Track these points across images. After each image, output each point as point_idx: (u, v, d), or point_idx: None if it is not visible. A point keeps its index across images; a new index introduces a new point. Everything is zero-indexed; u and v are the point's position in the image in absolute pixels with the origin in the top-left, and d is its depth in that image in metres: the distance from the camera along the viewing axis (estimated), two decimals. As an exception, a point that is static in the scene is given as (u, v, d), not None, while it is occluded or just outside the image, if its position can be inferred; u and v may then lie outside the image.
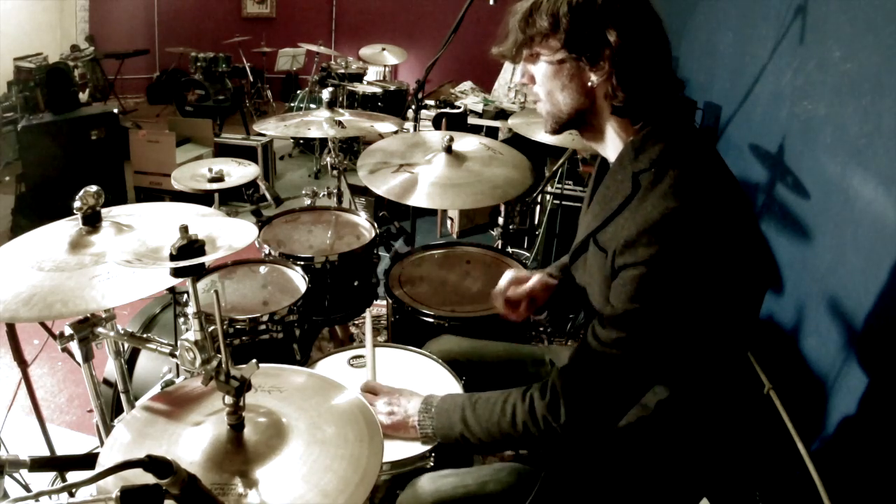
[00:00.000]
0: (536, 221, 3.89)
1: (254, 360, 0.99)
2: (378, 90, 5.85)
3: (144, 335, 1.24)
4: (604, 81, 1.04)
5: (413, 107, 2.87)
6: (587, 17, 1.01)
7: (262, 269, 2.00)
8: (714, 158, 1.07)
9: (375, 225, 2.27)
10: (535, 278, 1.47)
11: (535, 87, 1.12)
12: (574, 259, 1.23)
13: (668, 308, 0.99)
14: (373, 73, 6.72)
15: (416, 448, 1.23)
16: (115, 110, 4.48)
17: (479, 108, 5.12)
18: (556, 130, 1.15)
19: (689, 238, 0.96)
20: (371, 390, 1.32)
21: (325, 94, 2.41)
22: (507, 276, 1.49)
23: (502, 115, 4.97)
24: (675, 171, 1.00)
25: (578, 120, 1.12)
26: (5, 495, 0.94)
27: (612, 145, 1.13)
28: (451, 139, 2.02)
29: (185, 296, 1.76)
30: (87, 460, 1.26)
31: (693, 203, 0.97)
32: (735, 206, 1.02)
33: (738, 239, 1.01)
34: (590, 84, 1.06)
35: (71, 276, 1.13)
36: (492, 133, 4.85)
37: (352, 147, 5.26)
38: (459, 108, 5.09)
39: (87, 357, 1.26)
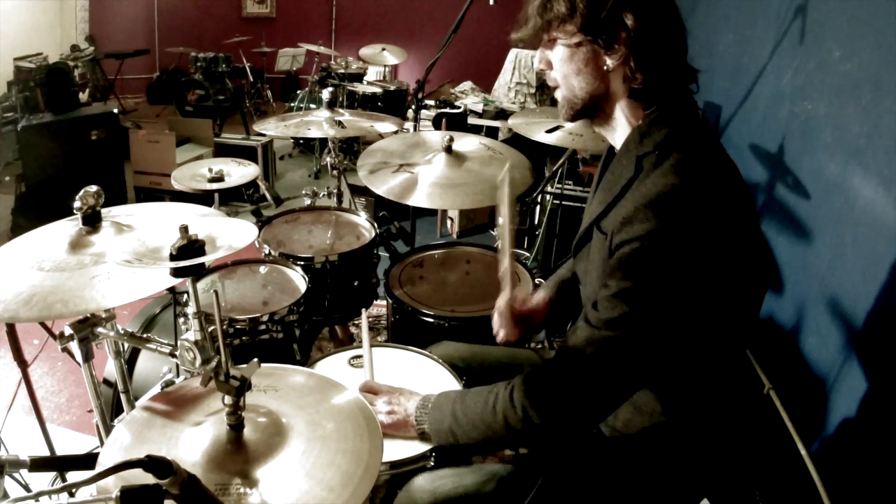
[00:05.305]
0: (536, 221, 3.89)
1: (255, 360, 0.99)
2: (378, 90, 5.85)
3: (144, 335, 1.23)
4: (619, 65, 1.04)
5: (413, 107, 2.87)
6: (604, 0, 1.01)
7: (262, 269, 2.00)
8: (717, 147, 1.07)
9: (375, 225, 2.27)
10: (540, 295, 1.47)
11: (553, 72, 1.12)
12: (577, 250, 1.22)
13: (663, 287, 0.95)
14: (373, 73, 6.72)
15: (416, 448, 1.22)
16: (115, 110, 4.48)
17: (479, 108, 5.12)
18: (573, 117, 1.14)
19: (688, 216, 0.94)
20: (370, 390, 1.31)
21: (325, 94, 2.41)
22: (504, 296, 1.44)
23: (502, 115, 4.97)
24: (678, 153, 1.00)
25: (594, 106, 1.11)
26: (5, 495, 0.94)
27: (620, 132, 1.12)
28: (451, 139, 2.02)
29: (185, 296, 1.76)
30: (87, 460, 1.27)
31: (693, 181, 0.96)
32: (736, 193, 1.01)
33: (738, 226, 0.99)
34: (605, 68, 1.06)
35: (71, 276, 1.13)
36: (492, 133, 4.85)
37: (352, 147, 5.26)
38: (459, 108, 5.09)
39: (87, 357, 1.26)
